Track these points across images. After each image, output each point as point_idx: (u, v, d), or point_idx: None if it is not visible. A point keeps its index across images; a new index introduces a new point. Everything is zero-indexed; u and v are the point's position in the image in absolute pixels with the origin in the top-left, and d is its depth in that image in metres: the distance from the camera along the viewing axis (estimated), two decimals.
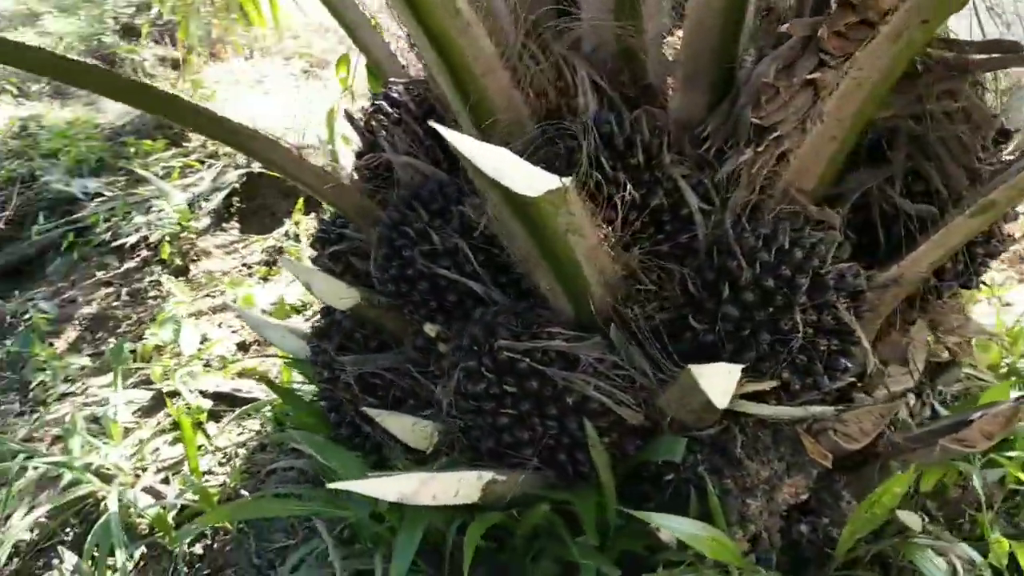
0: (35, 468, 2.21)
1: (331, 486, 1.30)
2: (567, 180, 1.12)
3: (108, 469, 2.31)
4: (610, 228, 1.39)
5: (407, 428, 1.61)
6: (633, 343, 1.53)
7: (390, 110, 1.79)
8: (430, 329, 1.65)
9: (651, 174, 1.47)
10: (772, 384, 1.46)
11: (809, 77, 1.28)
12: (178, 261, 3.74)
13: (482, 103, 1.46)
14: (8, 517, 2.16)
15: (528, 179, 1.05)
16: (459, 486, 1.38)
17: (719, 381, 1.31)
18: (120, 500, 2.07)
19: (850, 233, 1.65)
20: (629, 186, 1.42)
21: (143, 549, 2.16)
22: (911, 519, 1.47)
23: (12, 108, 5.51)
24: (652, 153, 1.47)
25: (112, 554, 2.04)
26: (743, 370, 1.41)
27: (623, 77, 1.64)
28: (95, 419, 2.55)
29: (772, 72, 1.29)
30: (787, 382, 1.47)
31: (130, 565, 2.09)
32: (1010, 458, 1.72)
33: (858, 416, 1.47)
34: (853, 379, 1.54)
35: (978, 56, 1.38)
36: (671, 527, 1.33)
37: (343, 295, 1.68)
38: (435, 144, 1.74)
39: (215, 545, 2.10)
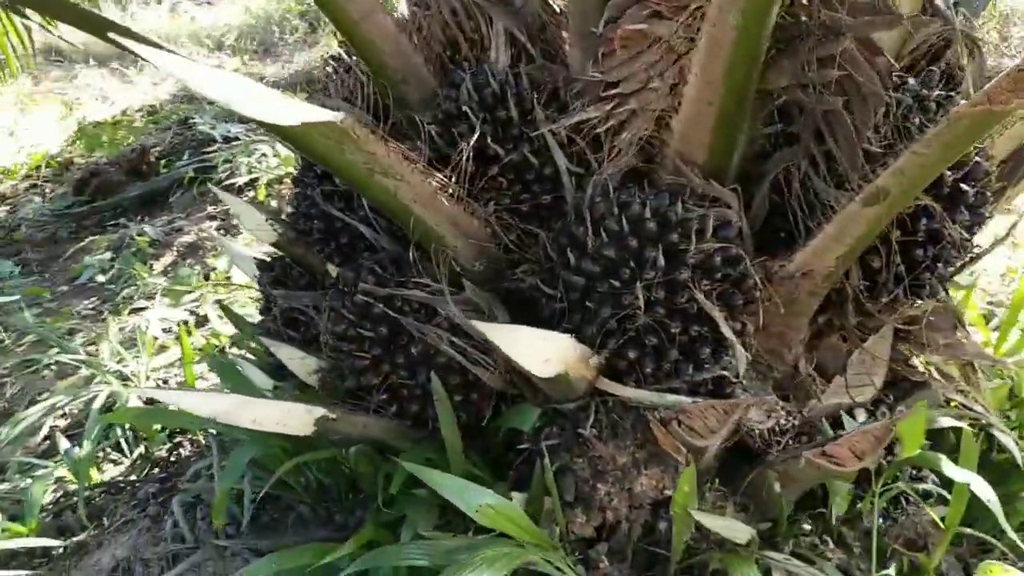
0: (59, 363, 2.49)
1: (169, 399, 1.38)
2: (339, 115, 1.11)
3: (131, 376, 2.56)
4: (455, 179, 1.35)
5: (295, 361, 1.67)
6: (501, 305, 1.49)
7: (345, 59, 1.83)
8: (331, 269, 1.69)
9: (521, 130, 1.41)
10: (617, 363, 1.37)
11: (645, 30, 1.17)
12: (273, 204, 4.01)
13: (366, 49, 1.46)
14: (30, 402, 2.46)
15: (269, 107, 1.06)
16: (285, 416, 1.41)
17: (523, 347, 1.25)
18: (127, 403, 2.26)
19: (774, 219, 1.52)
20: (489, 139, 1.37)
21: (140, 449, 2.39)
22: (722, 525, 1.32)
23: None
24: (525, 108, 1.41)
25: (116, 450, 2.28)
26: (598, 346, 1.35)
27: (548, 33, 1.58)
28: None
29: (602, 24, 1.19)
30: (636, 363, 1.37)
31: (126, 462, 2.32)
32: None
33: (703, 411, 1.34)
34: (725, 372, 1.40)
35: (850, 18, 1.19)
36: (466, 498, 1.27)
37: (266, 230, 1.75)
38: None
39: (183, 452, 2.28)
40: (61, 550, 1.96)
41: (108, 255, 3.89)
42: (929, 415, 1.55)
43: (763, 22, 1.14)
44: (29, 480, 2.13)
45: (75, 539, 1.99)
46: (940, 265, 1.48)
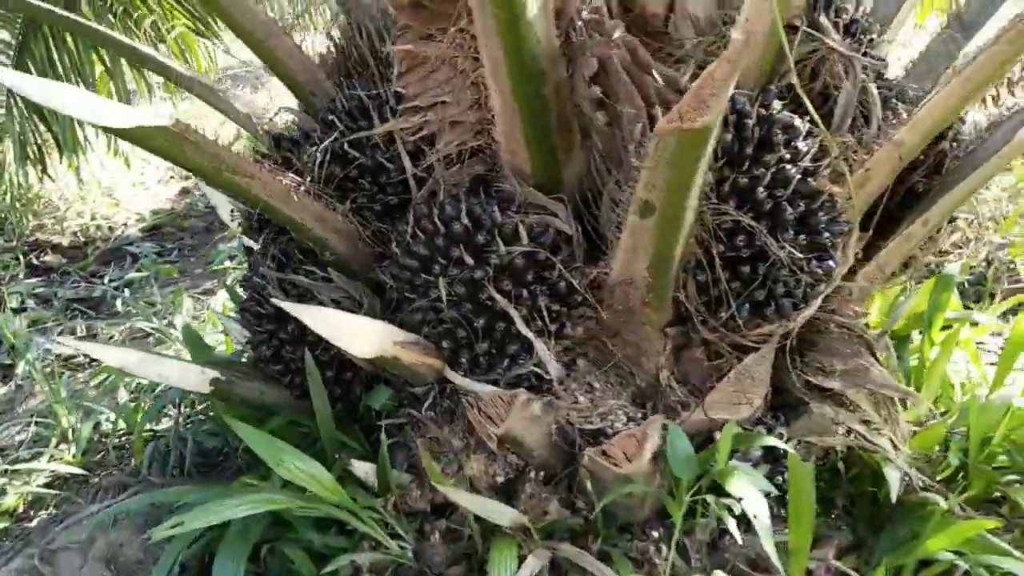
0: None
1: (89, 350, 1.70)
2: (171, 121, 1.36)
3: None
4: (310, 179, 1.56)
5: (234, 332, 1.95)
6: (371, 293, 1.68)
7: None
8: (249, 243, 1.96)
9: (382, 137, 1.59)
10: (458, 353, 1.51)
11: (414, 50, 1.31)
12: None
13: (274, 64, 1.71)
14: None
15: (110, 113, 1.31)
16: (183, 375, 1.69)
17: (333, 329, 1.43)
18: None
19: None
20: (347, 145, 1.57)
21: None
22: (479, 506, 1.43)
23: None
24: (385, 118, 1.59)
25: None
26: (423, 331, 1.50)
27: None
28: None
29: (390, 44, 1.35)
30: (454, 353, 1.51)
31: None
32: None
33: (492, 401, 1.44)
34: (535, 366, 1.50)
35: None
36: (282, 459, 1.46)
37: (228, 215, 2.05)
38: None
39: None
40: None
41: (237, 242, 4.45)
42: (746, 436, 1.54)
43: (521, 46, 1.25)
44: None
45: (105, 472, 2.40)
46: (780, 285, 1.48)
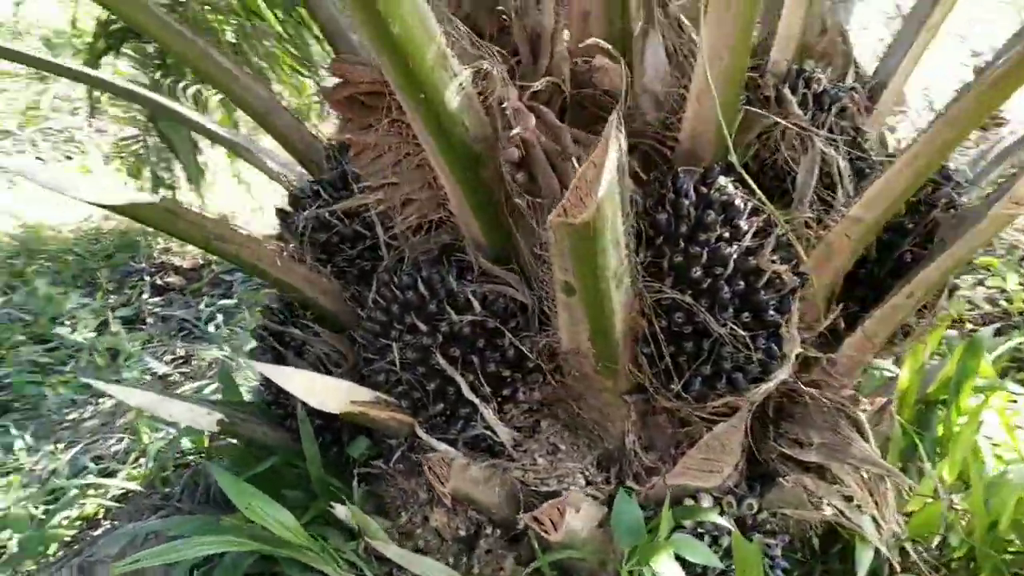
0: None
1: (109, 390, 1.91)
2: (158, 198, 1.54)
3: None
4: (299, 244, 1.70)
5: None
6: (356, 350, 1.80)
7: None
8: None
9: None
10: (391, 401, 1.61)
11: (355, 139, 1.42)
12: None
13: (278, 137, 1.88)
14: None
15: (103, 193, 1.49)
16: (192, 415, 1.87)
17: (298, 387, 1.55)
18: None
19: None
20: (327, 213, 1.71)
21: None
22: (418, 564, 1.49)
23: None
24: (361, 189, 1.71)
25: None
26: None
27: None
28: None
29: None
30: (413, 412, 1.60)
31: None
32: None
33: (439, 462, 1.51)
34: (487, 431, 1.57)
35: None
36: (250, 503, 1.59)
37: None
38: None
39: None
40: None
41: None
42: (691, 509, 1.55)
43: (450, 135, 1.34)
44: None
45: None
46: (727, 361, 1.48)
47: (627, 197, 1.33)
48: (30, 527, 2.56)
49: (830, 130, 1.62)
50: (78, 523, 2.68)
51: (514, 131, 1.24)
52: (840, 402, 1.72)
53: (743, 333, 1.44)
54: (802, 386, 1.70)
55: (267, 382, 1.90)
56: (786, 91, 1.56)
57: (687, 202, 1.41)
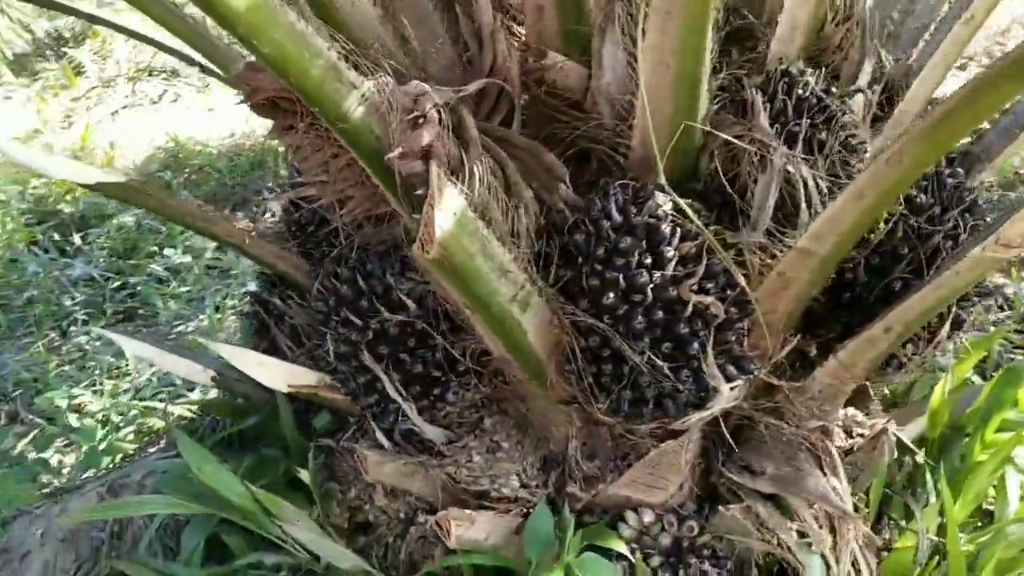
0: None
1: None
2: (126, 177, 1.62)
3: None
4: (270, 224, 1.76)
5: None
6: None
7: None
8: None
9: None
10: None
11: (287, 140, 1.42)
12: None
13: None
14: None
15: (73, 170, 1.59)
16: (189, 370, 2.01)
17: (236, 360, 1.63)
18: None
19: None
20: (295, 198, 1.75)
21: None
22: (328, 550, 1.56)
23: None
24: None
25: None
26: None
27: None
28: None
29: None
30: (353, 399, 1.65)
31: None
32: None
33: (363, 452, 1.54)
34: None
35: None
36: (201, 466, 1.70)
37: None
38: None
39: None
40: None
41: None
42: (596, 530, 1.51)
43: (359, 142, 1.32)
44: None
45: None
46: (650, 388, 1.40)
47: (523, 218, 1.27)
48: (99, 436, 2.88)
49: (810, 143, 1.45)
50: (145, 439, 2.97)
51: (395, 150, 1.20)
52: (802, 433, 1.60)
53: (661, 363, 1.35)
54: (756, 414, 1.60)
55: (253, 346, 2.00)
56: (756, 97, 1.41)
57: (607, 224, 1.32)
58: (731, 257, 1.37)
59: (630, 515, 1.66)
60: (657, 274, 1.32)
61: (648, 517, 1.65)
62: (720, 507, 1.62)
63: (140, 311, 4.47)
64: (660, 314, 1.34)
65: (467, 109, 1.38)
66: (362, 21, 1.45)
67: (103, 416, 3.18)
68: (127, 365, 3.72)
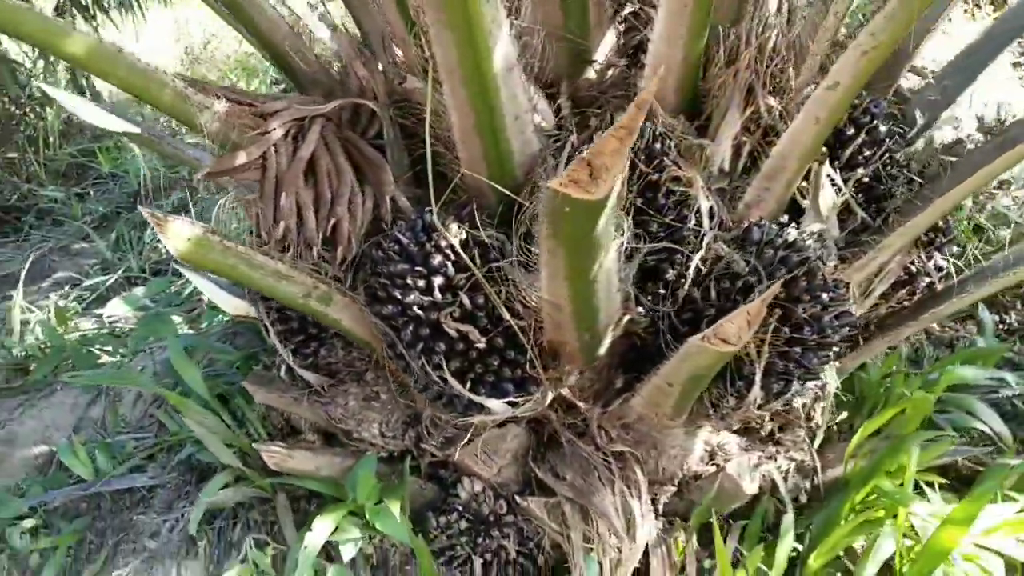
0: None
1: None
2: (139, 128, 2.09)
3: None
4: None
5: None
6: None
7: None
8: None
9: None
10: None
11: None
12: None
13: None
14: None
15: (105, 120, 2.06)
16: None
17: (203, 288, 2.08)
18: None
19: None
20: None
21: None
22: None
23: None
24: None
25: None
26: None
27: None
28: None
29: None
30: None
31: None
32: None
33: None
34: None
35: None
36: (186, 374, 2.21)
37: None
38: None
39: None
40: None
41: None
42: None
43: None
44: None
45: None
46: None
47: (344, 223, 1.54)
48: None
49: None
50: None
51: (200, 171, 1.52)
52: (600, 453, 1.74)
53: (431, 372, 1.58)
54: (560, 428, 1.76)
55: None
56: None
57: (395, 247, 1.54)
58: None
59: (465, 480, 1.92)
60: (425, 298, 1.53)
61: (477, 487, 1.91)
62: (528, 497, 1.82)
63: None
64: (426, 331, 1.55)
65: (319, 125, 1.64)
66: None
67: None
68: None
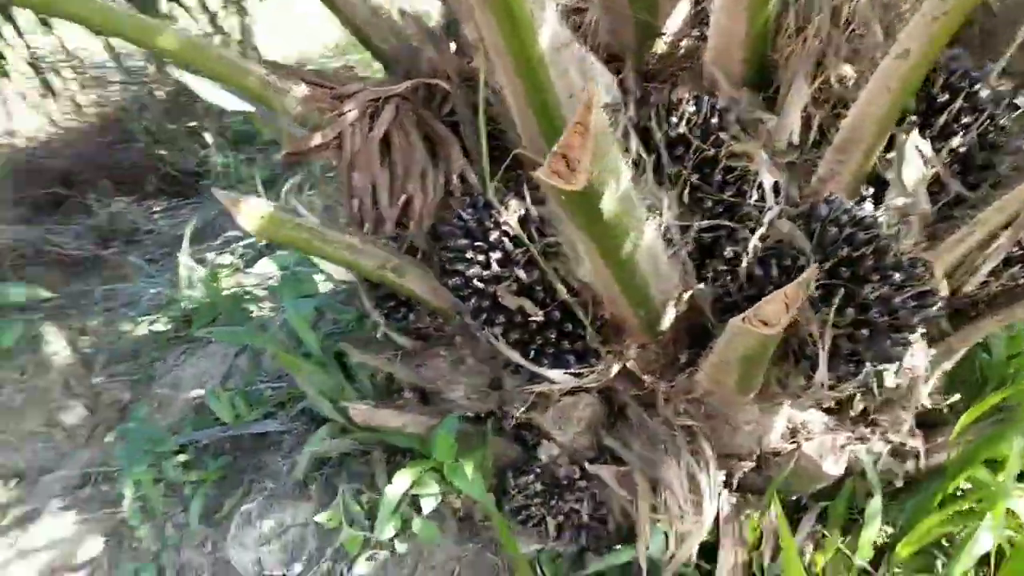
0: None
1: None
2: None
3: None
4: None
5: None
6: None
7: None
8: None
9: None
10: None
11: None
12: None
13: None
14: None
15: (227, 101, 2.26)
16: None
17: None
18: None
19: None
20: None
21: None
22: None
23: None
24: None
25: None
26: None
27: None
28: None
29: None
30: None
31: None
32: None
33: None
34: None
35: None
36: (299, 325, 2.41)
37: None
38: None
39: None
40: None
41: None
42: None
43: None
44: None
45: None
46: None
47: (417, 198, 1.63)
48: None
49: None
50: None
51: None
52: (667, 425, 1.75)
53: (495, 342, 1.65)
54: (628, 400, 1.78)
55: None
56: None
57: (460, 224, 1.61)
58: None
59: (544, 443, 1.99)
60: (485, 272, 1.59)
61: (555, 451, 1.97)
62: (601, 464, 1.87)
63: None
64: (487, 303, 1.62)
65: (393, 104, 1.73)
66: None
67: None
68: None
